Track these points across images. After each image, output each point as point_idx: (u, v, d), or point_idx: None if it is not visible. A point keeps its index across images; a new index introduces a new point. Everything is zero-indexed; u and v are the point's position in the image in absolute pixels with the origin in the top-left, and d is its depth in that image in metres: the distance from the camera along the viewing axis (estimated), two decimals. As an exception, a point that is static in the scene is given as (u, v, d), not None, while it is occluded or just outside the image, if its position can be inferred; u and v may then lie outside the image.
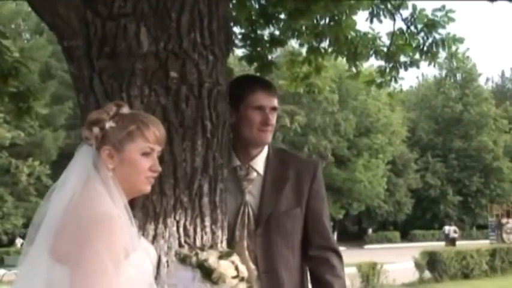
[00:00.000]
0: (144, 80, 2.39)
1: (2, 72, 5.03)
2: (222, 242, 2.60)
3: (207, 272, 2.25)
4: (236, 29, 6.23)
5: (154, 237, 2.39)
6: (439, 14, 6.08)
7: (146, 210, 2.38)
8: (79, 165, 2.14)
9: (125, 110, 2.17)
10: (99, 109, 2.22)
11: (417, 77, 66.64)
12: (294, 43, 8.02)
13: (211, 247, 2.42)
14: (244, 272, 2.34)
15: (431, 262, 19.54)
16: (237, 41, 6.33)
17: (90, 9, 2.39)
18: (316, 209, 2.89)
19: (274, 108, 2.79)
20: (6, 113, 5.60)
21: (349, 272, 17.68)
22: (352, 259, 21.47)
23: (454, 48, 6.20)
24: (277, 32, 6.34)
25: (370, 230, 48.42)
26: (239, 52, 6.53)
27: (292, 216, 2.83)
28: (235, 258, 2.36)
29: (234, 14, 5.90)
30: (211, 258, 2.28)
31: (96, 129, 2.13)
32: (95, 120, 2.15)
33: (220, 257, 2.31)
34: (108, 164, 2.12)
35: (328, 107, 39.97)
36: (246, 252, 2.75)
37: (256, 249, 2.76)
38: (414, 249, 21.52)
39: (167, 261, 2.39)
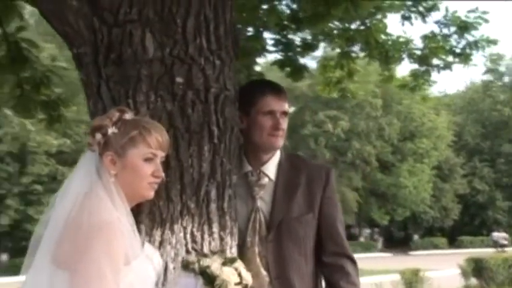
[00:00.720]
0: (150, 85, 2.39)
1: (33, 82, 5.12)
2: (231, 248, 2.57)
3: (209, 279, 2.24)
4: (267, 34, 6.26)
5: (161, 244, 2.38)
6: (472, 15, 5.98)
7: (153, 216, 2.38)
8: (82, 172, 2.16)
9: (128, 116, 2.18)
10: (103, 115, 2.23)
11: (465, 81, 65.48)
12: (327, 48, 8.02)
13: (216, 253, 2.39)
14: (247, 279, 2.32)
15: (477, 269, 19.09)
16: (268, 46, 6.36)
17: (97, 16, 2.41)
18: (330, 215, 2.85)
19: (284, 113, 2.78)
20: (38, 122, 5.68)
21: (393, 278, 17.45)
22: (397, 265, 21.20)
23: (487, 49, 6.10)
24: (308, 37, 6.34)
25: (416, 236, 47.68)
26: (271, 57, 6.55)
27: (304, 222, 2.80)
28: (239, 264, 2.34)
29: (264, 19, 5.93)
30: (214, 264, 2.27)
31: (98, 135, 2.15)
32: (98, 126, 2.16)
33: (224, 264, 2.29)
34: (111, 170, 2.13)
35: (372, 111, 39.58)
36: (258, 258, 2.73)
37: (267, 255, 2.74)
38: (462, 256, 21.06)
39: (174, 268, 2.38)
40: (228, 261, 2.32)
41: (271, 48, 6.35)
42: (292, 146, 38.67)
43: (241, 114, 2.72)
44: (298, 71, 6.52)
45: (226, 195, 2.53)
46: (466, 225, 48.60)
